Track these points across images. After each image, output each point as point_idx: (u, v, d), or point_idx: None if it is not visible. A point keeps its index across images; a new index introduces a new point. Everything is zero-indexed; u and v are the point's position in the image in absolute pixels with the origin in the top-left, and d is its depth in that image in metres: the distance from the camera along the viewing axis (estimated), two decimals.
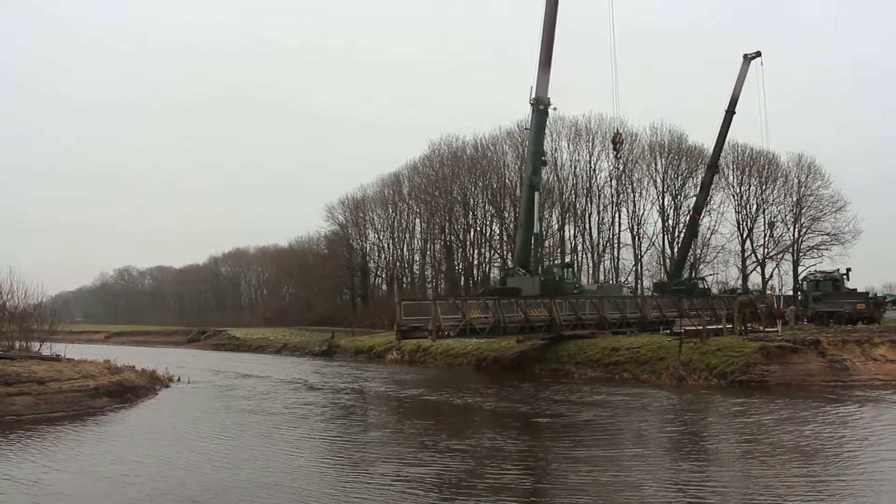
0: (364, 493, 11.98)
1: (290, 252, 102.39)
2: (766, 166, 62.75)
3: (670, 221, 63.37)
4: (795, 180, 62.24)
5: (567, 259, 60.40)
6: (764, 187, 63.05)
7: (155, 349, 69.44)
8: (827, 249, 60.18)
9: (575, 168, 63.26)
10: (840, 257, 57.70)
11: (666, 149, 63.10)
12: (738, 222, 63.18)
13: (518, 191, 54.16)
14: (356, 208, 79.62)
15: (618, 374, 29.24)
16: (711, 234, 62.98)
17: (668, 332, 34.05)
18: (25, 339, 27.31)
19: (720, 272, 64.35)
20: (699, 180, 57.64)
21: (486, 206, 67.24)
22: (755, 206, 63.32)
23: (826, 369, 25.27)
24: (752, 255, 63.28)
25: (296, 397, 26.77)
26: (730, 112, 50.50)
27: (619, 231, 63.80)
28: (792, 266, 61.64)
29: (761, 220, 63.12)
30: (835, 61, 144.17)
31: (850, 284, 39.25)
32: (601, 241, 63.89)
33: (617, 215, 63.77)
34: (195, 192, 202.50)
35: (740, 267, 63.23)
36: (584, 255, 64.38)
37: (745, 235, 63.15)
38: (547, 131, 47.96)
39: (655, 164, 63.36)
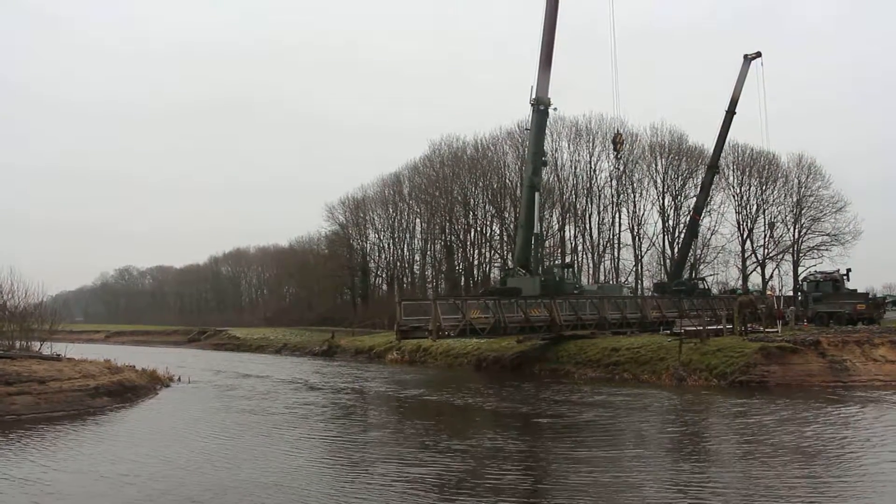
0: (364, 493, 11.98)
1: (290, 252, 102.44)
2: (767, 167, 62.76)
3: (670, 222, 63.45)
4: (796, 181, 62.29)
5: (567, 259, 60.43)
6: (764, 188, 63.06)
7: (155, 349, 69.45)
8: (827, 250, 60.24)
9: (575, 168, 63.38)
10: (840, 258, 57.75)
11: (666, 149, 63.12)
12: (739, 223, 63.24)
13: (518, 191, 54.20)
14: (356, 208, 79.68)
15: (618, 375, 29.24)
16: (712, 234, 63.09)
17: (669, 332, 34.05)
18: (26, 338, 27.32)
19: (720, 272, 64.46)
20: (699, 181, 57.64)
21: (487, 207, 67.28)
22: (755, 207, 63.38)
23: (826, 370, 25.27)
24: (753, 255, 63.32)
25: (296, 397, 26.77)
26: (730, 112, 50.51)
27: (620, 231, 63.92)
28: (792, 266, 61.67)
29: (761, 221, 63.19)
30: (835, 61, 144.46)
31: (850, 285, 39.27)
32: (601, 241, 63.96)
33: (617, 215, 63.88)
34: (195, 192, 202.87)
35: (740, 267, 63.26)
36: (584, 256, 64.46)
37: (745, 236, 63.17)
38: (547, 131, 47.98)
39: (656, 165, 63.43)
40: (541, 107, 39.67)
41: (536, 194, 41.90)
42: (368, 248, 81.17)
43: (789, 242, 62.06)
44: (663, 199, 63.33)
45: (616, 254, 64.17)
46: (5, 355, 23.46)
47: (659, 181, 63.25)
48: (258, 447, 16.37)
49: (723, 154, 55.72)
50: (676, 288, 48.41)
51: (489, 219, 67.54)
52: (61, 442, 17.16)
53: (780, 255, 62.83)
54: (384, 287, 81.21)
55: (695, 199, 57.06)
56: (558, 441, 16.95)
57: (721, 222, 63.05)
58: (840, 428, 17.13)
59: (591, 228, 63.86)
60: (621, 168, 61.48)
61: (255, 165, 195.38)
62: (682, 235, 57.28)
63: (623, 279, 62.64)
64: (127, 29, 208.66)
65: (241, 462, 14.68)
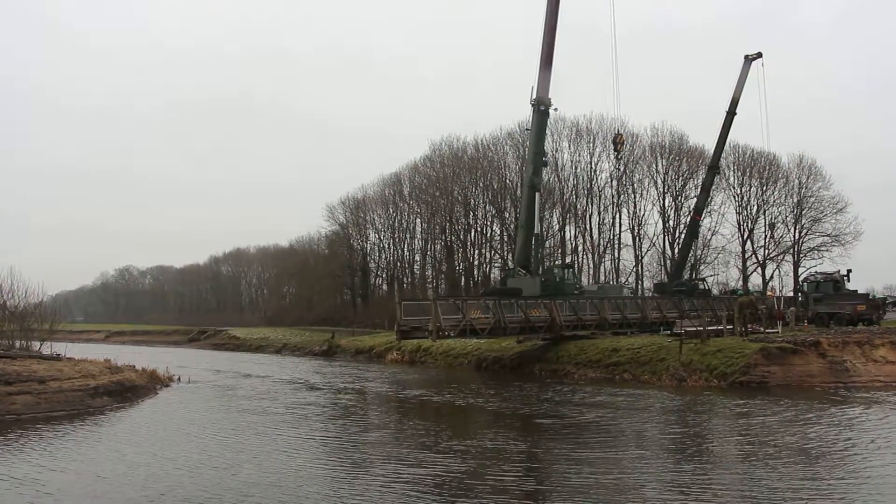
0: (364, 494, 11.94)
1: (290, 252, 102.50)
2: (767, 167, 62.77)
3: (671, 222, 63.49)
4: (796, 181, 62.31)
5: (568, 260, 60.46)
6: (765, 188, 63.07)
7: (155, 349, 69.45)
8: (827, 251, 60.25)
9: (576, 169, 63.44)
10: (840, 258, 57.77)
11: (667, 150, 63.16)
12: (739, 223, 63.25)
13: (519, 191, 54.21)
14: (357, 208, 79.72)
15: (618, 375, 29.21)
16: (712, 234, 63.11)
17: (669, 332, 34.06)
18: (26, 338, 27.32)
19: (721, 273, 64.44)
20: (700, 181, 57.62)
21: (487, 207, 67.31)
22: (756, 207, 63.39)
23: (826, 371, 25.26)
24: (753, 256, 63.33)
25: (296, 397, 26.75)
26: (731, 113, 50.52)
27: (620, 232, 63.95)
28: (792, 267, 61.71)
29: (762, 221, 63.23)
30: (835, 60, 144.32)
31: (850, 286, 39.24)
32: (602, 241, 63.99)
33: (618, 216, 63.91)
34: (195, 192, 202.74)
35: (741, 268, 63.25)
36: (584, 256, 64.47)
37: (745, 236, 63.18)
38: (548, 132, 47.99)
39: (656, 165, 63.47)
40: (541, 107, 39.68)
41: (537, 194, 41.94)
42: (368, 248, 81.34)
43: (790, 243, 62.10)
44: (664, 199, 63.40)
45: (616, 254, 64.28)
46: (5, 355, 23.45)
47: (659, 182, 63.34)
48: (258, 447, 16.34)
49: (723, 154, 55.75)
50: (677, 288, 48.38)
51: (489, 219, 67.62)
52: (60, 442, 17.12)
53: (781, 256, 62.93)
54: (384, 287, 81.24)
55: (695, 199, 57.04)
56: (559, 442, 16.91)
57: (721, 223, 63.23)
58: (843, 429, 17.07)
59: (591, 229, 63.97)
60: (622, 168, 61.58)
61: (255, 165, 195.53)
62: (683, 236, 57.29)
63: (623, 280, 62.67)
64: (128, 31, 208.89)
65: (240, 462, 14.66)
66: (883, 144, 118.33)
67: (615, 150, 51.63)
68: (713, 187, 56.47)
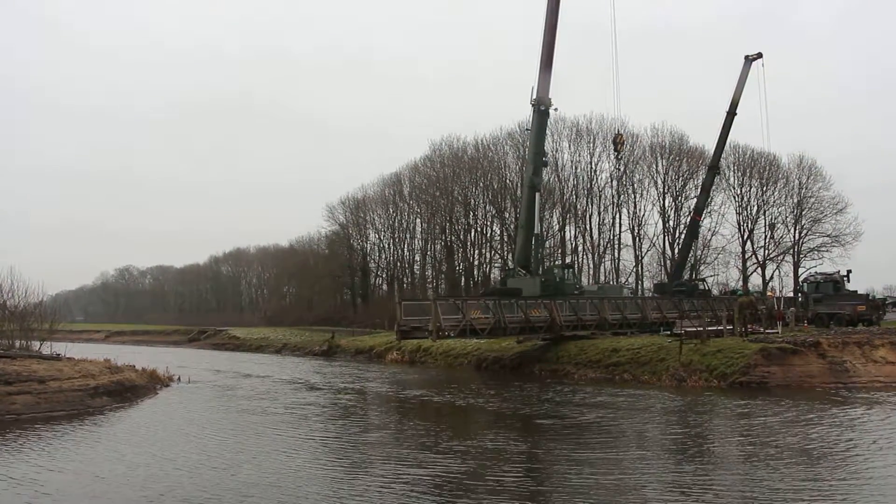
0: (363, 494, 11.92)
1: (290, 252, 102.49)
2: (767, 168, 62.76)
3: (671, 222, 63.46)
4: (796, 182, 62.30)
5: (568, 260, 60.46)
6: (765, 189, 63.06)
7: (155, 348, 69.44)
8: (827, 251, 60.24)
9: (576, 169, 63.42)
10: (840, 259, 57.76)
11: (667, 150, 63.15)
12: (739, 224, 63.23)
13: (519, 191, 54.20)
14: (357, 208, 79.72)
15: (618, 376, 29.20)
16: (712, 235, 63.09)
17: (669, 333, 34.05)
18: (26, 338, 27.30)
19: (721, 273, 64.44)
20: (700, 181, 57.60)
21: (487, 207, 67.30)
22: (756, 208, 63.38)
23: (826, 371, 25.27)
24: (753, 256, 63.32)
25: (296, 397, 26.73)
26: (731, 113, 50.50)
27: (620, 232, 63.93)
28: (792, 268, 61.72)
29: (762, 222, 63.22)
30: (836, 60, 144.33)
31: (850, 286, 39.25)
32: (602, 241, 63.97)
33: (618, 216, 63.89)
34: (196, 192, 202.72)
35: (741, 268, 63.23)
36: (584, 256, 64.45)
37: (745, 237, 63.16)
38: (548, 132, 47.98)
39: (656, 165, 63.45)
40: (541, 107, 39.68)
41: (537, 195, 41.93)
42: (368, 248, 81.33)
43: (790, 243, 62.10)
44: (664, 199, 63.39)
45: (616, 254, 64.26)
46: (5, 355, 23.43)
47: (659, 182, 63.33)
48: (257, 448, 16.32)
49: (723, 155, 55.71)
50: (677, 289, 48.37)
51: (489, 219, 67.61)
52: (59, 442, 17.10)
53: (781, 257, 62.93)
54: (384, 287, 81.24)
55: (695, 199, 57.04)
56: (559, 442, 16.90)
57: (721, 223, 63.21)
58: (845, 430, 17.03)
59: (591, 229, 63.95)
60: (622, 168, 61.58)
61: (255, 165, 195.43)
62: (683, 236, 57.28)
63: (623, 280, 62.67)
64: (128, 31, 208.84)
65: (240, 462, 14.64)
66: (883, 144, 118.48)
67: (615, 150, 51.64)
68: (713, 187, 56.47)
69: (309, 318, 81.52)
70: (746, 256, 63.08)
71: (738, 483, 12.35)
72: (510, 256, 55.74)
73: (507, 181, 63.98)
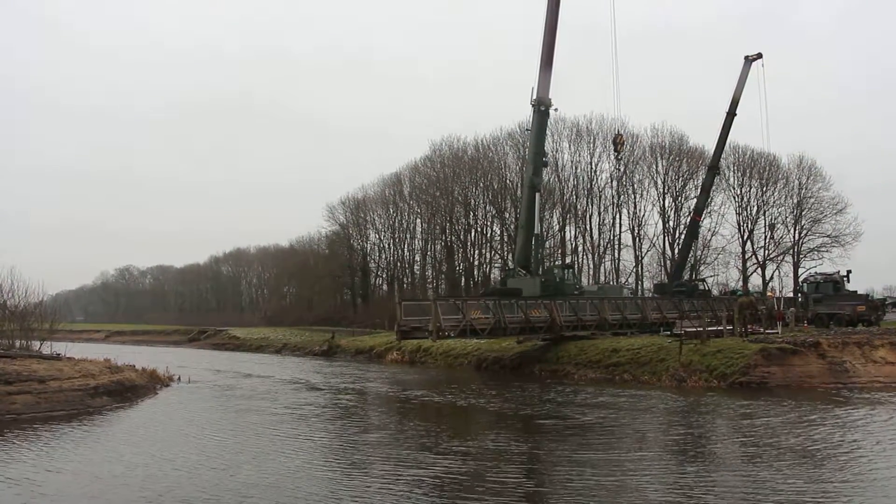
0: (363, 495, 11.89)
1: (290, 252, 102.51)
2: (767, 168, 62.78)
3: (671, 223, 63.46)
4: (796, 182, 62.33)
5: (568, 260, 60.47)
6: (765, 189, 63.08)
7: (155, 348, 69.44)
8: (827, 251, 60.28)
9: (576, 169, 63.43)
10: (840, 259, 57.79)
11: (667, 150, 63.16)
12: (739, 224, 63.25)
13: (519, 191, 54.19)
14: (357, 208, 79.71)
15: (618, 376, 29.20)
16: (712, 235, 63.09)
17: (669, 333, 34.05)
18: (26, 337, 27.28)
19: (720, 274, 64.45)
20: (700, 182, 57.60)
21: (487, 207, 67.31)
22: (756, 208, 63.40)
23: (826, 371, 25.27)
24: (753, 256, 63.33)
25: (296, 397, 26.72)
26: (731, 114, 50.50)
27: (620, 232, 63.94)
28: (792, 268, 61.74)
29: (762, 222, 63.23)
30: (836, 60, 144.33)
31: (850, 286, 39.25)
32: (602, 242, 63.99)
33: (618, 216, 63.89)
34: (196, 192, 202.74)
35: (741, 268, 63.24)
36: (584, 256, 64.46)
37: (745, 237, 63.17)
38: (548, 132, 47.98)
39: (656, 166, 63.46)
40: (542, 107, 39.68)
41: (537, 195, 41.93)
42: (369, 248, 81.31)
43: (789, 244, 62.11)
44: (664, 200, 63.39)
45: (616, 255, 64.26)
46: (5, 354, 23.42)
47: (659, 182, 63.34)
48: (257, 448, 16.30)
49: (723, 155, 55.71)
50: (677, 289, 48.37)
51: (489, 219, 67.62)
52: (60, 442, 17.07)
53: (781, 257, 62.96)
54: (384, 287, 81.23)
55: (695, 200, 57.04)
56: (560, 443, 16.87)
57: (721, 223, 63.21)
58: (848, 431, 16.99)
59: (591, 229, 63.96)
60: (622, 169, 61.59)
61: (255, 165, 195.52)
62: (683, 236, 57.28)
63: (623, 280, 62.66)
64: (128, 31, 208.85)
65: (239, 463, 14.62)
66: (883, 144, 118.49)
67: (615, 150, 51.65)
68: (713, 188, 56.46)
69: (309, 318, 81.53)
70: (746, 257, 63.13)
71: (740, 484, 12.29)
72: (510, 257, 55.75)
73: (508, 181, 64.01)
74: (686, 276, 55.04)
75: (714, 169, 53.31)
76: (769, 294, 47.07)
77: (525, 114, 50.15)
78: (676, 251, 58.94)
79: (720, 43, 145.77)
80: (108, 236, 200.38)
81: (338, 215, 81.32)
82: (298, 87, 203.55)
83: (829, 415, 19.20)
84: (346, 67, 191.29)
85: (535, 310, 33.20)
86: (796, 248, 61.63)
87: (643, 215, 63.76)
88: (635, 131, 62.09)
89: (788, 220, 62.23)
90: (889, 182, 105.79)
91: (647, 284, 62.63)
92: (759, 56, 49.96)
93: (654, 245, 64.33)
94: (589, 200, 63.52)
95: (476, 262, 69.48)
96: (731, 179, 62.95)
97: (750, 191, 63.21)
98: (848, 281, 39.13)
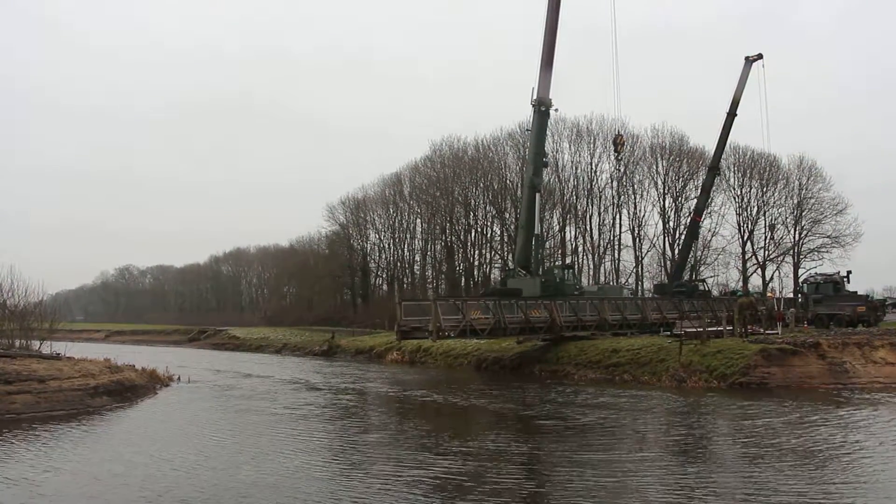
0: (363, 495, 11.87)
1: (290, 252, 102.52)
2: (767, 169, 62.79)
3: (671, 223, 63.47)
4: (796, 183, 62.34)
5: (568, 260, 60.47)
6: (765, 190, 63.09)
7: (155, 348, 69.42)
8: (827, 252, 60.29)
9: (576, 169, 63.44)
10: (840, 260, 57.82)
11: (667, 150, 63.17)
12: (739, 224, 63.27)
13: (519, 192, 54.17)
14: (357, 208, 79.71)
15: (618, 376, 29.18)
16: (712, 236, 63.11)
17: (669, 333, 34.03)
18: (25, 337, 27.27)
19: (721, 274, 64.44)
20: (700, 182, 57.59)
21: (487, 207, 67.32)
22: (756, 209, 63.41)
23: (826, 372, 25.26)
24: (753, 257, 63.33)
25: (296, 397, 26.71)
26: (731, 114, 50.49)
27: (620, 232, 63.95)
28: (792, 268, 61.75)
29: (762, 223, 63.24)
30: (836, 60, 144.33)
31: (850, 287, 39.23)
32: (602, 242, 64.00)
33: (618, 217, 63.91)
34: (196, 192, 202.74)
35: (741, 269, 63.23)
36: (584, 257, 64.47)
37: (745, 238, 63.17)
38: (548, 132, 47.97)
39: (656, 166, 63.47)
40: (542, 108, 39.66)
41: (537, 195, 41.92)
42: (369, 248, 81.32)
43: (790, 244, 62.13)
44: (664, 200, 63.41)
45: (616, 255, 64.27)
46: (5, 354, 23.40)
47: (660, 182, 63.35)
48: (257, 448, 16.28)
49: (724, 156, 55.70)
50: (677, 289, 48.34)
51: (490, 219, 67.63)
52: (59, 442, 17.03)
53: (781, 257, 62.96)
54: (384, 287, 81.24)
55: (695, 200, 57.04)
56: (561, 443, 16.85)
57: (722, 224, 63.24)
58: (850, 431, 16.95)
59: (591, 229, 63.97)
60: (622, 169, 61.59)
61: (255, 165, 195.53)
62: (683, 237, 57.29)
63: (623, 280, 62.65)
64: (128, 31, 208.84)
65: (239, 463, 14.60)
66: (883, 144, 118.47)
67: (615, 150, 51.59)
68: (713, 188, 56.48)
69: (309, 318, 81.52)
70: (746, 257, 63.14)
71: (742, 485, 12.26)
72: (510, 257, 55.74)
73: (508, 181, 64.01)
74: (686, 277, 55.03)
75: (714, 169, 53.30)
76: (769, 295, 47.04)
77: (525, 114, 50.23)
78: (676, 252, 58.93)
79: (720, 43, 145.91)
80: (108, 236, 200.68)
81: (338, 215, 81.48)
82: (298, 87, 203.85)
83: (830, 415, 19.17)
84: (346, 67, 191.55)
85: (535, 310, 33.18)
86: (796, 248, 61.66)
87: (643, 216, 63.91)
88: (635, 132, 62.21)
89: (788, 220, 62.32)
90: (889, 182, 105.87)
91: (647, 285, 62.71)
92: (760, 57, 49.96)
93: (654, 245, 64.44)
94: (589, 201, 63.56)
95: (476, 263, 69.53)
96: (732, 180, 63.07)
97: (750, 191, 63.32)
98: (848, 281, 39.13)
